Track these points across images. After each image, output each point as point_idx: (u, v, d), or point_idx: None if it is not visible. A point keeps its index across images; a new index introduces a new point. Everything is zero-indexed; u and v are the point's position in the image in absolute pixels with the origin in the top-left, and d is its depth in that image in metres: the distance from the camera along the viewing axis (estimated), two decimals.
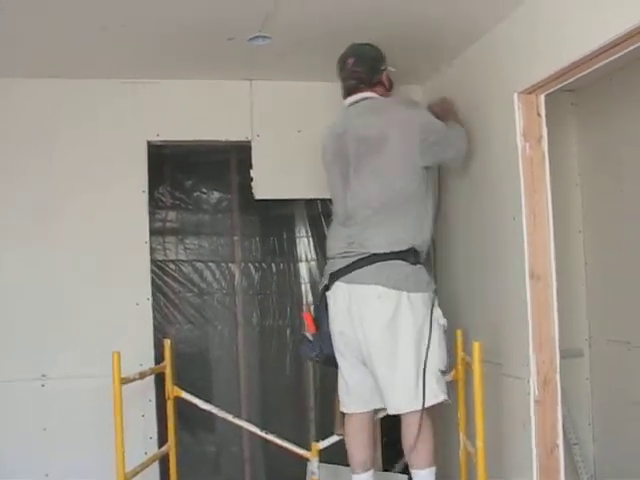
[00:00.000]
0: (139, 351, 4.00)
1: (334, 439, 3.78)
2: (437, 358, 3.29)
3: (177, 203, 4.85)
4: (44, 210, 4.03)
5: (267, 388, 4.93)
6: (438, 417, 3.59)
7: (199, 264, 4.87)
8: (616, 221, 4.16)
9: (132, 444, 3.32)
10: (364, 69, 3.49)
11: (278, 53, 3.79)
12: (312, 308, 3.82)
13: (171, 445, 3.84)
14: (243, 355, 4.88)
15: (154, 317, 4.30)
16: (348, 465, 3.56)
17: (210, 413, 3.91)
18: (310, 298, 4.91)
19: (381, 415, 3.64)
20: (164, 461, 3.91)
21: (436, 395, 3.27)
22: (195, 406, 3.88)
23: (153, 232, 4.44)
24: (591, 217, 4.42)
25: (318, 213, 4.88)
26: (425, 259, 3.42)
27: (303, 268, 4.99)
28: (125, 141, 4.15)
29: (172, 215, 4.87)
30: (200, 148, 4.53)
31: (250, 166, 4.34)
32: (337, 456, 3.84)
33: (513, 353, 3.42)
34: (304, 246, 4.99)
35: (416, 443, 3.27)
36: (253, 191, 4.34)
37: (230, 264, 4.90)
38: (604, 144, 4.26)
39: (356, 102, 3.51)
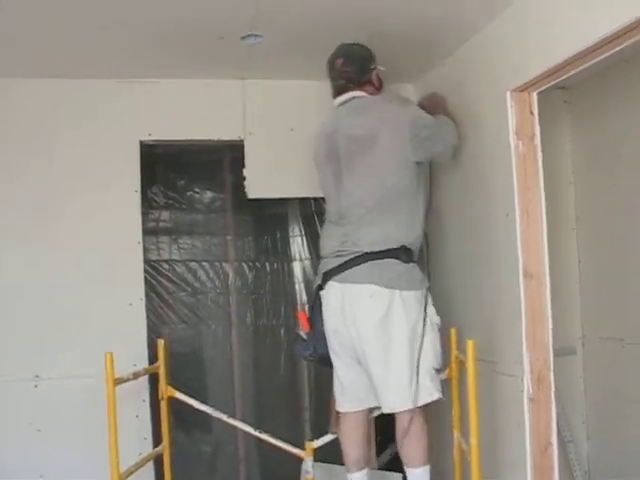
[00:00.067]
0: (133, 351, 3.99)
1: (328, 438, 3.77)
2: (431, 356, 3.29)
3: (170, 203, 4.84)
4: (36, 211, 4.02)
5: (261, 387, 4.92)
6: (432, 415, 3.59)
7: (193, 264, 4.86)
8: (609, 219, 4.17)
9: (126, 444, 3.31)
10: (353, 69, 3.50)
11: (270, 52, 3.78)
12: (306, 307, 3.82)
13: (165, 445, 3.84)
14: (237, 355, 4.86)
15: (148, 317, 4.31)
16: (343, 464, 3.56)
17: (205, 413, 3.91)
18: (304, 297, 4.90)
19: (376, 414, 3.63)
20: (159, 461, 3.90)
21: (430, 393, 3.27)
22: (190, 406, 3.87)
23: (146, 232, 4.44)
24: (584, 215, 4.42)
25: (311, 212, 4.87)
26: (418, 257, 3.43)
27: (297, 267, 4.98)
28: (117, 141, 4.15)
29: (165, 215, 4.85)
30: (193, 147, 4.52)
31: (243, 165, 4.33)
32: (332, 455, 3.83)
33: (507, 351, 3.42)
34: (298, 245, 4.98)
35: (405, 439, 3.28)
36: (246, 190, 4.34)
37: (224, 263, 4.89)
38: (597, 142, 4.27)
39: (346, 102, 3.52)
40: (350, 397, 3.46)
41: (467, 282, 3.90)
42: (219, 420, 3.97)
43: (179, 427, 4.49)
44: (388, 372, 3.24)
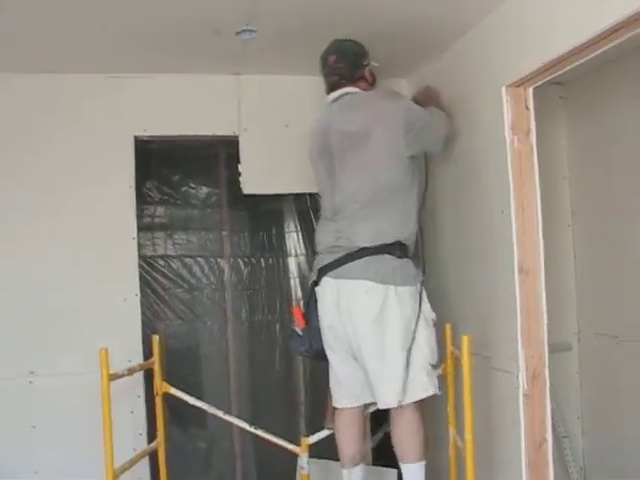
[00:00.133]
0: (128, 347, 3.99)
1: (324, 434, 3.78)
2: (427, 352, 3.29)
3: (165, 198, 4.82)
4: (29, 206, 4.01)
5: (257, 383, 4.92)
6: (427, 411, 3.59)
7: (188, 259, 4.84)
8: (605, 215, 4.16)
9: (121, 440, 3.32)
10: (346, 65, 3.50)
11: (265, 47, 3.78)
12: (301, 303, 3.82)
13: (160, 441, 3.84)
14: (233, 350, 4.86)
15: (143, 313, 4.30)
16: (338, 460, 3.56)
17: (200, 408, 3.91)
18: (299, 293, 4.89)
19: (371, 410, 3.64)
20: (154, 457, 3.90)
21: (426, 388, 3.28)
22: (185, 402, 3.87)
23: (141, 228, 4.43)
24: (580, 211, 4.42)
25: (307, 208, 4.86)
26: (413, 252, 3.43)
27: (292, 263, 4.97)
28: (112, 136, 4.14)
29: (160, 210, 4.83)
30: (188, 143, 4.50)
31: (238, 161, 4.32)
32: (328, 451, 3.83)
33: (502, 347, 3.42)
34: (293, 241, 4.97)
35: (400, 434, 3.31)
36: (241, 186, 4.33)
37: (219, 259, 4.88)
38: (593, 137, 4.26)
39: (339, 98, 3.52)
40: (346, 392, 3.46)
41: (462, 278, 3.89)
42: (214, 416, 3.98)
43: (174, 423, 4.47)
44: (383, 368, 3.24)
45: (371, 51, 3.57)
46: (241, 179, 4.32)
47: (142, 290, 4.32)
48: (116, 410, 3.24)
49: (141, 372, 3.95)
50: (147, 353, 4.01)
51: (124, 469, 3.32)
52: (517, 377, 3.23)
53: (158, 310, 4.72)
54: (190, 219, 4.88)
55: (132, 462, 3.48)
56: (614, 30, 2.49)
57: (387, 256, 3.27)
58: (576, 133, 4.43)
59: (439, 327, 3.48)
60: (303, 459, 3.85)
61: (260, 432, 3.90)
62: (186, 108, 4.25)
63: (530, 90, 3.25)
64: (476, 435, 3.15)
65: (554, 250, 3.96)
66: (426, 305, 3.34)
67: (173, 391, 3.83)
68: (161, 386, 3.80)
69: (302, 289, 4.85)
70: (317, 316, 3.43)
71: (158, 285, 4.74)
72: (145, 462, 3.95)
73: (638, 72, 3.78)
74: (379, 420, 4.28)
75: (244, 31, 3.51)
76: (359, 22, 3.43)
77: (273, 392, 4.93)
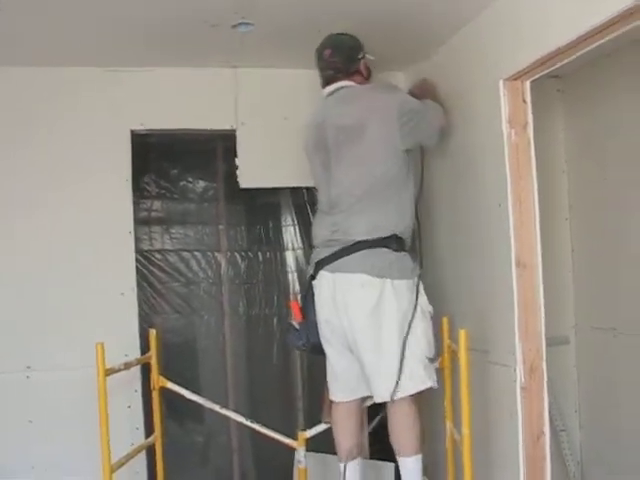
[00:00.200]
0: (124, 341, 3.98)
1: (321, 428, 3.78)
2: (424, 345, 3.29)
3: (162, 192, 4.82)
4: (26, 199, 4.00)
5: (254, 377, 4.92)
6: (425, 405, 3.60)
7: (185, 253, 4.84)
8: (603, 208, 4.16)
9: (118, 435, 3.31)
10: (341, 59, 3.50)
11: (262, 40, 3.76)
12: (299, 297, 3.81)
13: (157, 435, 3.83)
14: (230, 344, 4.86)
15: (140, 307, 4.30)
16: (335, 453, 3.56)
17: (197, 403, 3.90)
18: (297, 287, 4.90)
19: (368, 403, 3.64)
20: (151, 452, 3.90)
21: (423, 381, 3.27)
22: (182, 396, 3.86)
23: (139, 222, 4.43)
24: (578, 204, 4.41)
25: (304, 201, 4.86)
26: (410, 246, 3.43)
27: (289, 257, 4.97)
28: (108, 130, 4.12)
29: (157, 204, 4.84)
30: (185, 137, 4.49)
31: (235, 155, 4.31)
32: (325, 445, 3.83)
33: (499, 341, 3.42)
34: (290, 235, 4.97)
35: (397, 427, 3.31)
36: (238, 180, 4.31)
37: (216, 253, 4.88)
38: (590, 131, 4.26)
39: (334, 92, 3.52)
40: (343, 386, 3.46)
41: (460, 271, 3.89)
42: (212, 410, 3.97)
43: (172, 417, 4.48)
44: (380, 361, 3.24)
45: (369, 45, 3.57)
46: (238, 173, 4.30)
47: (139, 284, 4.32)
48: (113, 405, 3.25)
49: (138, 366, 3.94)
50: (144, 347, 4.00)
51: (121, 464, 3.32)
52: (514, 370, 3.23)
53: (155, 304, 4.73)
54: (187, 213, 4.88)
55: (129, 457, 3.48)
56: (610, 24, 2.48)
57: (384, 249, 3.27)
58: (573, 126, 4.42)
59: (436, 321, 3.48)
60: (300, 453, 3.85)
61: (257, 426, 3.90)
62: (183, 102, 4.23)
63: (527, 83, 3.24)
64: (473, 429, 3.15)
65: (551, 243, 3.96)
66: (423, 298, 3.33)
67: (170, 385, 3.83)
68: (158, 380, 3.80)
69: (299, 283, 4.86)
70: (314, 310, 3.43)
71: (155, 279, 4.74)
72: (142, 456, 3.94)
73: (634, 65, 3.77)
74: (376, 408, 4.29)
75: (241, 24, 3.50)
76: (356, 15, 3.41)
77: (270, 386, 4.94)
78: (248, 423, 3.93)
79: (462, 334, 3.14)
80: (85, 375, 3.40)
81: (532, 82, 3.24)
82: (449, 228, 4.02)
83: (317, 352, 3.51)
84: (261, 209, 4.96)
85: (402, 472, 3.38)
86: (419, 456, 3.34)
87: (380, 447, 4.02)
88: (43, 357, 3.95)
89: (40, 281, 3.99)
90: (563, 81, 4.42)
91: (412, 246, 3.46)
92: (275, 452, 4.27)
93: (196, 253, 4.84)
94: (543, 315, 3.25)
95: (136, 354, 4.00)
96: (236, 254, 4.90)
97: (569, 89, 4.42)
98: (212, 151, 4.81)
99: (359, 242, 3.27)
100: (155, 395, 3.82)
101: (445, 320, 3.62)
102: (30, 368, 3.94)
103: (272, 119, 4.32)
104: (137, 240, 4.35)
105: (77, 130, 4.08)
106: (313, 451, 3.99)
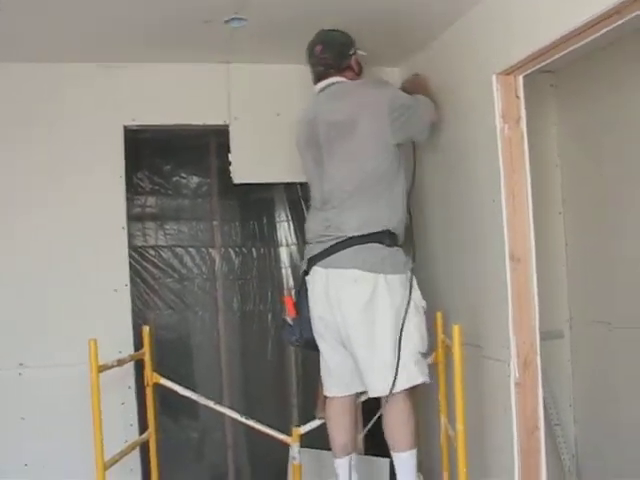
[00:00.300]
0: (118, 338, 3.96)
1: (315, 424, 3.77)
2: (417, 340, 3.29)
3: (156, 188, 4.81)
4: (17, 195, 3.98)
5: (249, 373, 4.92)
6: (419, 400, 3.60)
7: (179, 249, 4.84)
8: (596, 202, 4.16)
9: (112, 432, 3.30)
10: (332, 55, 3.51)
11: (255, 35, 3.75)
12: (292, 292, 3.81)
13: (151, 432, 3.82)
14: (224, 340, 4.85)
15: (134, 303, 4.29)
16: (330, 449, 3.56)
17: (192, 399, 3.89)
18: (291, 282, 4.89)
19: (363, 399, 3.63)
20: (145, 448, 3.89)
21: (416, 377, 3.27)
22: (176, 392, 3.86)
23: (132, 218, 4.42)
24: (571, 198, 4.41)
25: (298, 197, 4.85)
26: (404, 241, 3.42)
27: (283, 252, 4.97)
28: (101, 126, 4.10)
29: (151, 200, 4.83)
30: (178, 132, 4.48)
31: (229, 150, 4.30)
32: (319, 441, 3.83)
33: (493, 335, 3.42)
34: (284, 230, 4.97)
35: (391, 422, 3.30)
36: (232, 175, 4.30)
37: (210, 249, 4.88)
38: (583, 125, 4.26)
39: (325, 88, 3.52)
40: (337, 381, 3.46)
41: (453, 266, 3.89)
42: (206, 406, 3.96)
43: (166, 414, 4.47)
44: (373, 356, 3.24)
45: (361, 40, 3.56)
46: (231, 168, 4.29)
47: (132, 280, 4.31)
48: (107, 401, 3.23)
49: (132, 363, 3.93)
50: (138, 344, 3.99)
51: (115, 461, 3.31)
52: (508, 365, 3.23)
53: (149, 300, 4.72)
54: (181, 209, 4.88)
55: (123, 453, 3.47)
56: (603, 18, 2.48)
57: (376, 245, 3.26)
58: (567, 121, 4.42)
59: (430, 316, 3.48)
60: (295, 449, 3.84)
61: (251, 422, 3.89)
62: (176, 97, 4.21)
63: (520, 78, 3.24)
64: (468, 423, 3.14)
65: (545, 237, 3.97)
66: (416, 292, 3.33)
67: (163, 382, 3.82)
68: (151, 377, 3.79)
69: (294, 278, 4.85)
70: (307, 305, 3.43)
71: (149, 275, 4.74)
72: (136, 453, 3.93)
73: (628, 59, 3.76)
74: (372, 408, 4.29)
75: (234, 19, 3.49)
76: (349, 10, 3.41)
77: (265, 382, 4.94)
78: (242, 419, 3.92)
79: (456, 329, 3.14)
80: (78, 372, 3.38)
81: (525, 77, 3.24)
82: (442, 223, 4.02)
83: (310, 348, 3.51)
84: (255, 205, 4.95)
85: (397, 467, 3.38)
86: (414, 451, 3.34)
87: (374, 442, 4.03)
88: (35, 354, 3.93)
89: (32, 277, 3.97)
90: (556, 76, 4.42)
91: (405, 241, 3.46)
92: (270, 448, 4.27)
93: (190, 249, 4.84)
94: (537, 309, 3.25)
95: (130, 350, 3.99)
96: (230, 250, 4.89)
97: (562, 84, 4.42)
98: (205, 147, 4.80)
99: (351, 238, 3.27)
100: (149, 391, 3.81)
101: (439, 315, 3.62)
102: (23, 365, 3.92)
103: (265, 114, 4.31)
104: (130, 236, 4.34)
105: (70, 125, 4.06)
106: (307, 447, 3.99)
